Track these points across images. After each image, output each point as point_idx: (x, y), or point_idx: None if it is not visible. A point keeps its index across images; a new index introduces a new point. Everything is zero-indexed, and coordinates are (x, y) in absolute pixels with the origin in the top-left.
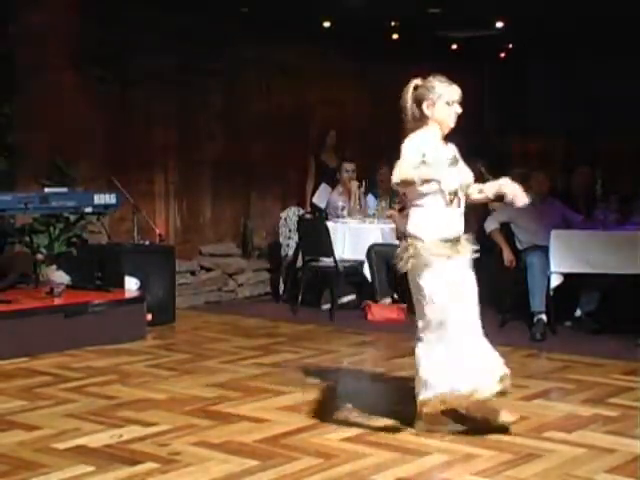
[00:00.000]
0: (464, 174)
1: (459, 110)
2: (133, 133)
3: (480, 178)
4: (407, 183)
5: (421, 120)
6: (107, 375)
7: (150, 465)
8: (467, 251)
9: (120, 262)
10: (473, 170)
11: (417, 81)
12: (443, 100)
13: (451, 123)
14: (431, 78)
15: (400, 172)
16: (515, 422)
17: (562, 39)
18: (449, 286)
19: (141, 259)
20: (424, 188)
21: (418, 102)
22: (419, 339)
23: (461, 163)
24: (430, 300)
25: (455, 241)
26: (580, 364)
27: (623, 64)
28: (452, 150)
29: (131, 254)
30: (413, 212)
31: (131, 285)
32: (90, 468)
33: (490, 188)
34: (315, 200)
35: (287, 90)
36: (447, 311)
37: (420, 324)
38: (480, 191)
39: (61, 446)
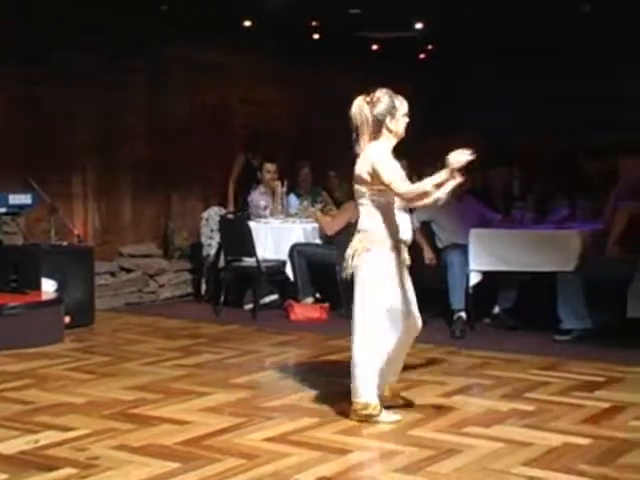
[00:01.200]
0: None
1: (407, 120)
2: (51, 132)
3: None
4: (423, 195)
5: (379, 133)
6: (23, 379)
7: (68, 471)
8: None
9: (37, 263)
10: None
11: (366, 97)
12: (402, 114)
13: (403, 134)
14: (381, 93)
15: (409, 187)
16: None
17: (481, 39)
18: None
19: (59, 260)
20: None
21: (380, 117)
22: None
23: None
24: None
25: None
26: (498, 360)
27: (543, 63)
28: None
29: (48, 255)
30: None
31: (48, 287)
32: (3, 476)
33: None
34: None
35: (209, 89)
36: None
37: None
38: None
39: None
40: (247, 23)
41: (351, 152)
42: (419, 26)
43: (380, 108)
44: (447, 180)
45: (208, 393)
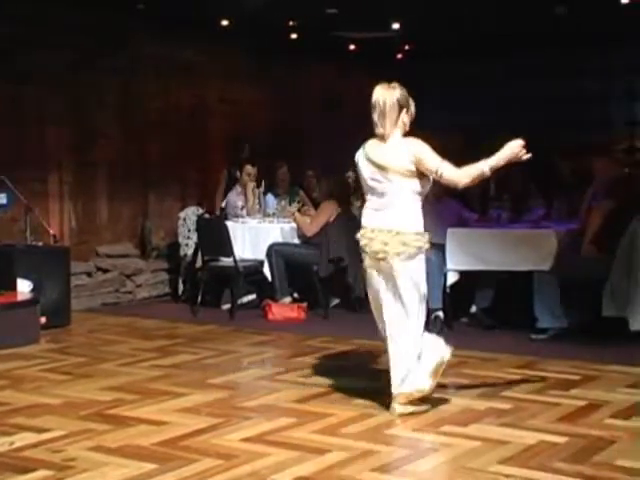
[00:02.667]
0: None
1: None
2: (25, 131)
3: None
4: (478, 177)
5: (395, 126)
6: None
7: (43, 472)
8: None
9: (12, 264)
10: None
11: (398, 87)
12: (413, 110)
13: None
14: (401, 90)
15: (463, 171)
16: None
17: (457, 40)
18: None
19: (34, 260)
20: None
21: (400, 108)
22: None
23: None
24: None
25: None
26: (475, 359)
27: (519, 64)
28: None
29: (24, 255)
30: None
31: (24, 287)
32: None
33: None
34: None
35: (186, 89)
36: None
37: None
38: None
39: None
40: (224, 22)
41: (329, 151)
42: (396, 26)
43: (402, 96)
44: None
45: (185, 393)
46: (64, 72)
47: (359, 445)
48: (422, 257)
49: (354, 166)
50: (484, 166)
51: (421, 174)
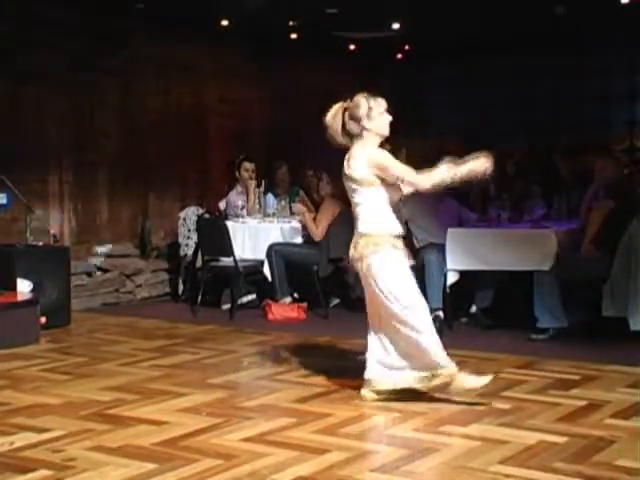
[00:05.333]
0: None
1: (390, 118)
2: (25, 131)
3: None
4: (440, 184)
5: (360, 136)
6: None
7: (43, 472)
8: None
9: (12, 264)
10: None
11: (344, 104)
12: (377, 111)
13: (387, 131)
14: (357, 97)
15: (426, 177)
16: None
17: (457, 40)
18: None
19: (34, 260)
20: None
21: (355, 119)
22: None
23: None
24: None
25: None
26: (475, 359)
27: (519, 64)
28: None
29: (24, 255)
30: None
31: (24, 287)
32: None
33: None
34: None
35: (186, 89)
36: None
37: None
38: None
39: None
40: (224, 22)
41: (329, 151)
42: (396, 26)
43: (354, 111)
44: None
45: (185, 393)
46: (64, 72)
47: (359, 445)
48: (386, 257)
49: None
50: (446, 176)
51: (384, 181)
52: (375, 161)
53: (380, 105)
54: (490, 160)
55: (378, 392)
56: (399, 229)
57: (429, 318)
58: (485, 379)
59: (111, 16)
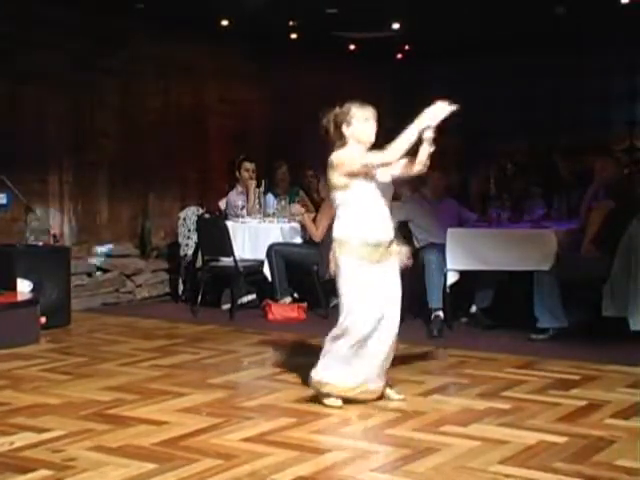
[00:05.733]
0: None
1: (374, 126)
2: (25, 131)
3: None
4: (401, 153)
5: (343, 140)
6: None
7: (43, 472)
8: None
9: (12, 264)
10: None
11: (337, 109)
12: (357, 119)
13: (369, 138)
14: (346, 104)
15: (386, 153)
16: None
17: (457, 40)
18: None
19: (34, 261)
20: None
21: (338, 125)
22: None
23: None
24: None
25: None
26: (475, 359)
27: (519, 64)
28: None
29: (24, 255)
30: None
31: (24, 287)
32: None
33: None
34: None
35: (186, 89)
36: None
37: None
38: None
39: None
40: (224, 22)
41: (328, 151)
42: (396, 26)
43: (338, 117)
44: (421, 131)
45: (185, 393)
46: (64, 72)
47: (359, 445)
48: (344, 263)
49: None
50: (408, 132)
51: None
52: (335, 162)
53: (362, 112)
54: (448, 102)
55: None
56: (377, 236)
57: (357, 337)
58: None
59: (111, 16)
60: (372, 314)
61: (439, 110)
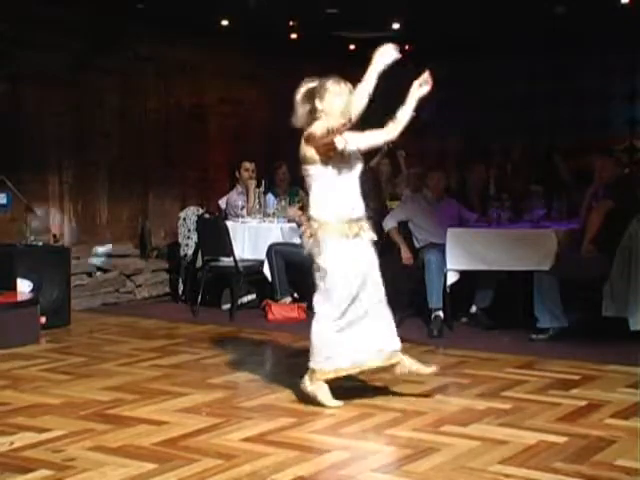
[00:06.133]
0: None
1: (348, 102)
2: (25, 131)
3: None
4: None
5: (314, 113)
6: None
7: (43, 472)
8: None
9: (12, 263)
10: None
11: (311, 82)
12: (331, 94)
13: (338, 112)
14: (322, 79)
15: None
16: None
17: (458, 40)
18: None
19: (34, 260)
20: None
21: (311, 97)
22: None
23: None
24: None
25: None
26: (475, 359)
27: (519, 63)
28: None
29: (24, 255)
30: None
31: (24, 287)
32: None
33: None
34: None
35: (186, 89)
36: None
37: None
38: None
39: None
40: (224, 22)
41: None
42: (396, 26)
43: (309, 90)
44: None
45: (185, 393)
46: (64, 72)
47: (359, 445)
48: (327, 241)
49: None
50: (365, 83)
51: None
52: (308, 133)
53: (337, 88)
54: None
55: None
56: (353, 213)
57: (335, 314)
58: (334, 402)
59: (111, 16)
60: (354, 282)
61: (388, 50)
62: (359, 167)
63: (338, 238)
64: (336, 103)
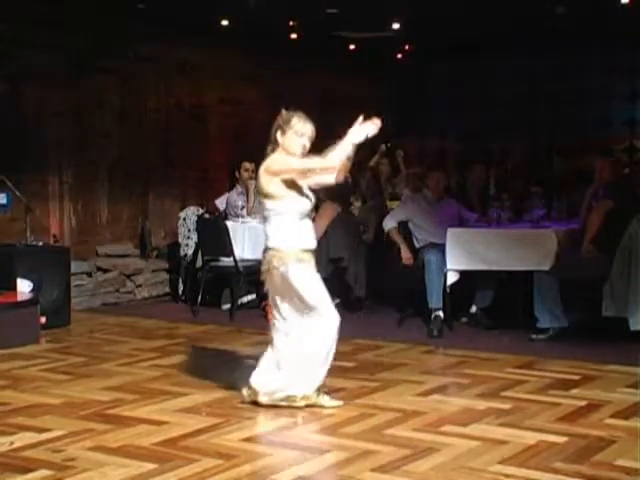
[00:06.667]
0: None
1: (307, 144)
2: (25, 132)
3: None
4: (329, 169)
5: (276, 145)
6: None
7: (43, 472)
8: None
9: (12, 263)
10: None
11: (282, 112)
12: (293, 131)
13: (295, 152)
14: (292, 112)
15: (315, 161)
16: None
17: (458, 40)
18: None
19: (34, 260)
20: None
21: (276, 129)
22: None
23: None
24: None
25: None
26: (475, 359)
27: (519, 64)
28: None
29: (24, 255)
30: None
31: (24, 287)
32: None
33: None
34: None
35: (186, 89)
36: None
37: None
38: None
39: None
40: (224, 22)
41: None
42: (396, 26)
43: (278, 121)
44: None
45: (185, 393)
46: (64, 72)
47: (359, 445)
48: (294, 268)
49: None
50: (344, 146)
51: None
52: (269, 166)
53: (299, 126)
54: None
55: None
56: (307, 244)
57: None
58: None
59: (111, 16)
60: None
61: (362, 131)
62: (312, 202)
63: (300, 264)
64: (294, 143)
